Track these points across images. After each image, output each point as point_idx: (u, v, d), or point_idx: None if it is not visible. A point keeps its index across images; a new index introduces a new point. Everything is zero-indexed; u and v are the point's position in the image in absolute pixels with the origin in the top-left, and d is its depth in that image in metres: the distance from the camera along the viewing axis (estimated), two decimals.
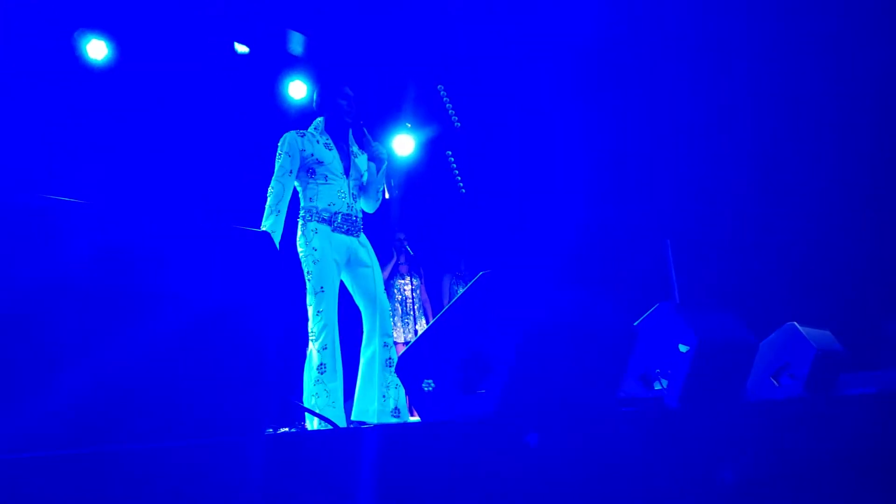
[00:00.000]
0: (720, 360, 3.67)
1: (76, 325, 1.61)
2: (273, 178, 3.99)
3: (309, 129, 4.15)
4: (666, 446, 2.89)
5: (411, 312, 6.60)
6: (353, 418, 3.96)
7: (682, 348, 3.51)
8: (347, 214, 4.08)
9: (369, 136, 4.24)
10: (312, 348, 3.87)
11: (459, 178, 6.96)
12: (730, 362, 3.76)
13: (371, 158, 4.22)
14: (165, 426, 1.70)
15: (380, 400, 3.93)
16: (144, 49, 6.36)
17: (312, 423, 3.78)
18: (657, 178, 6.92)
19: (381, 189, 4.25)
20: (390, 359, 3.96)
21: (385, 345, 4.02)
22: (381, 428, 2.11)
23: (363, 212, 4.24)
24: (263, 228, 3.87)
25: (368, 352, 4.03)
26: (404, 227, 6.90)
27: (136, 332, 1.72)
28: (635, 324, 3.21)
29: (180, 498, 1.54)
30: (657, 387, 3.57)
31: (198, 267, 1.89)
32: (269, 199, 3.95)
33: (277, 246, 3.80)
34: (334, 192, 4.07)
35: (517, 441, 2.37)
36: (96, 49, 6.11)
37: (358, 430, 2.17)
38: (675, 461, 2.85)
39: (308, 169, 4.05)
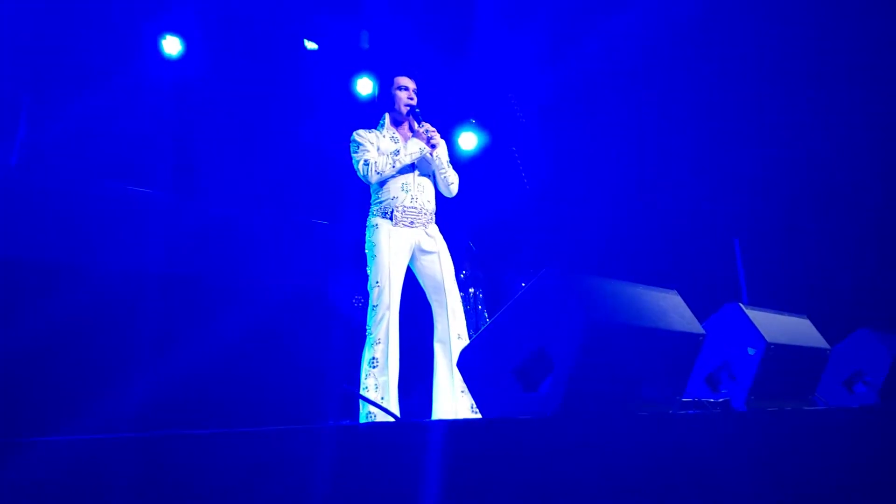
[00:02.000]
0: (789, 364, 3.58)
1: (155, 313, 1.66)
2: (356, 166, 4.10)
3: (376, 127, 4.22)
4: (731, 451, 2.84)
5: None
6: (433, 417, 3.98)
7: (750, 351, 3.44)
8: (412, 207, 4.10)
9: (418, 122, 4.19)
10: (367, 342, 3.92)
11: (524, 174, 6.93)
12: (799, 367, 3.67)
13: (427, 141, 4.19)
14: (236, 413, 1.75)
15: (458, 396, 3.93)
16: (216, 46, 6.50)
17: (371, 416, 3.81)
18: (726, 175, 6.78)
19: (445, 171, 4.22)
20: None
21: (458, 337, 4.02)
22: (442, 423, 2.12)
23: (439, 202, 4.25)
24: (381, 175, 4.02)
25: (441, 347, 4.04)
26: (469, 222, 6.91)
27: (211, 321, 1.77)
28: (702, 325, 3.16)
29: (247, 482, 1.58)
30: (723, 390, 3.50)
31: (270, 259, 1.93)
32: (376, 165, 4.04)
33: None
34: (398, 186, 4.10)
35: (579, 441, 2.36)
36: (171, 45, 6.28)
37: (420, 424, 2.18)
38: (739, 466, 2.79)
39: None
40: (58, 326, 1.58)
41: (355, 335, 4.04)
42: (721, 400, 3.35)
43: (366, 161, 4.06)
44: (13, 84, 5.44)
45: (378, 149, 4.12)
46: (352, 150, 4.15)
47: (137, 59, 6.16)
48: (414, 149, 4.11)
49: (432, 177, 4.24)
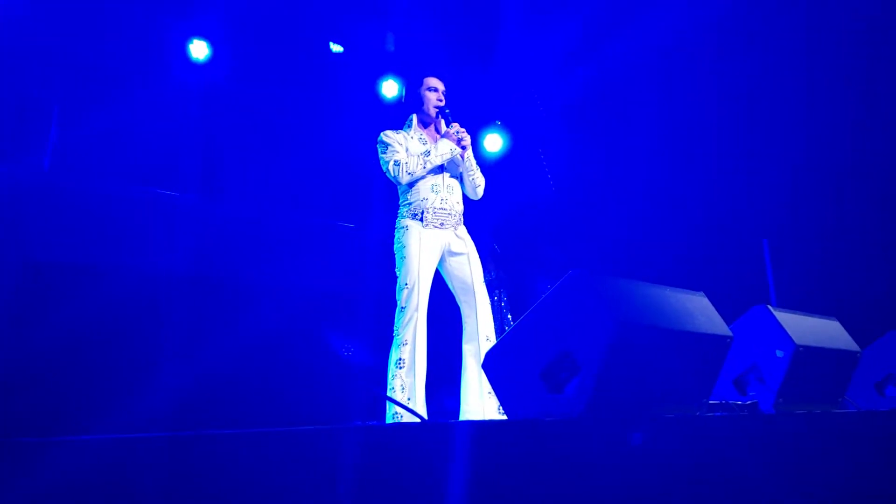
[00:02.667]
0: (819, 366, 3.54)
1: (183, 314, 1.68)
2: (386, 166, 4.10)
3: (403, 128, 4.23)
4: (759, 454, 2.81)
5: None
6: (460, 418, 3.99)
7: (779, 353, 3.40)
8: (441, 208, 4.10)
9: (447, 123, 4.19)
10: (394, 343, 3.93)
11: (549, 176, 6.91)
12: (829, 369, 3.63)
13: (457, 142, 4.19)
14: (263, 413, 1.76)
15: (485, 397, 3.94)
16: (242, 50, 6.56)
17: (397, 416, 3.82)
18: (755, 175, 6.71)
19: (473, 173, 4.22)
20: None
21: (487, 339, 4.02)
22: (468, 424, 2.12)
23: (465, 203, 4.26)
24: (412, 175, 4.02)
25: (470, 348, 4.04)
26: (494, 224, 6.91)
27: (238, 322, 1.78)
28: (729, 327, 3.13)
29: (274, 482, 1.59)
30: (751, 392, 3.47)
31: (296, 261, 1.95)
32: (393, 172, 4.06)
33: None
34: (428, 187, 4.11)
35: (606, 442, 2.35)
36: (198, 49, 6.35)
37: (445, 425, 2.19)
38: (767, 469, 2.76)
39: None
40: (88, 327, 1.60)
41: (383, 336, 4.05)
42: (749, 402, 3.32)
43: (396, 161, 4.06)
44: (45, 89, 5.52)
45: (406, 150, 4.13)
46: (380, 150, 4.15)
47: (165, 64, 6.24)
48: (445, 149, 4.10)
49: (460, 178, 4.24)
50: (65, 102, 5.56)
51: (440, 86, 4.24)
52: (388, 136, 4.16)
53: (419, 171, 4.05)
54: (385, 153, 4.12)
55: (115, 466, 1.43)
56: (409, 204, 4.11)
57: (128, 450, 1.46)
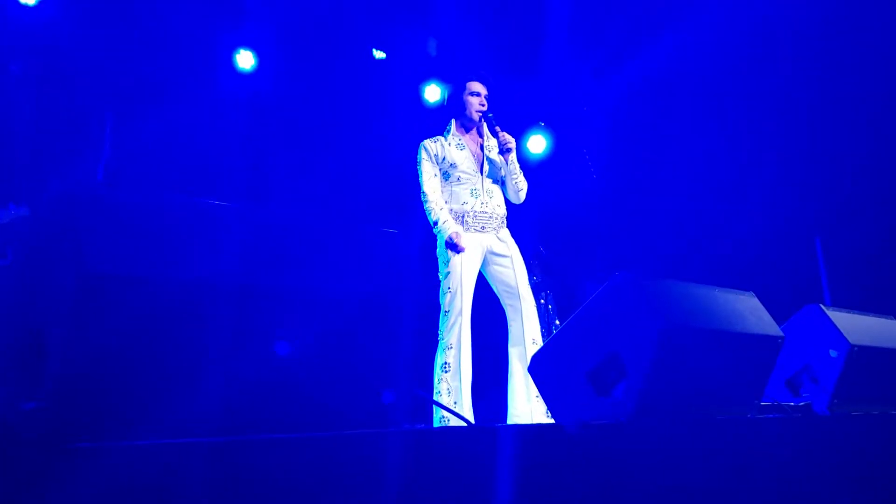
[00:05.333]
0: (875, 367, 3.46)
1: (230, 322, 1.72)
2: (421, 186, 4.15)
3: (443, 134, 4.24)
4: (813, 457, 2.76)
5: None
6: (508, 421, 3.99)
7: (833, 354, 3.33)
8: (482, 212, 4.11)
9: (493, 126, 4.19)
10: (439, 347, 3.95)
11: (595, 176, 6.87)
12: (884, 369, 3.54)
13: (500, 149, 4.18)
14: (310, 418, 1.78)
15: (533, 400, 3.93)
16: (287, 59, 6.65)
17: (444, 420, 3.84)
18: (807, 171, 6.56)
19: (517, 177, 4.21)
20: None
21: (533, 342, 4.01)
22: (514, 428, 2.12)
23: (509, 206, 4.25)
24: (437, 221, 4.04)
25: (516, 351, 4.04)
26: (539, 226, 6.88)
27: (280, 328, 1.81)
28: (781, 327, 3.07)
29: (320, 486, 1.61)
30: (804, 393, 3.40)
31: (341, 268, 1.97)
32: (426, 203, 4.12)
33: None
34: (468, 191, 4.13)
35: (655, 445, 2.33)
36: (244, 59, 6.46)
37: (493, 429, 2.19)
38: (822, 473, 2.71)
39: (444, 173, 4.16)
40: (141, 336, 1.64)
41: (429, 341, 4.07)
42: (802, 404, 3.26)
43: (423, 192, 4.13)
44: (97, 102, 5.67)
45: (443, 159, 4.14)
46: (417, 160, 4.20)
47: (212, 74, 6.35)
48: (446, 229, 4.05)
49: (502, 182, 4.24)
50: (116, 115, 5.70)
51: (483, 90, 4.24)
52: (425, 148, 4.17)
53: (441, 199, 4.11)
54: (419, 167, 4.17)
55: (164, 471, 1.47)
56: (451, 210, 4.12)
57: (175, 455, 1.49)
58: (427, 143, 4.20)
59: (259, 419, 1.72)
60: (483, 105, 4.22)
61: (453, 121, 4.28)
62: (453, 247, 4.01)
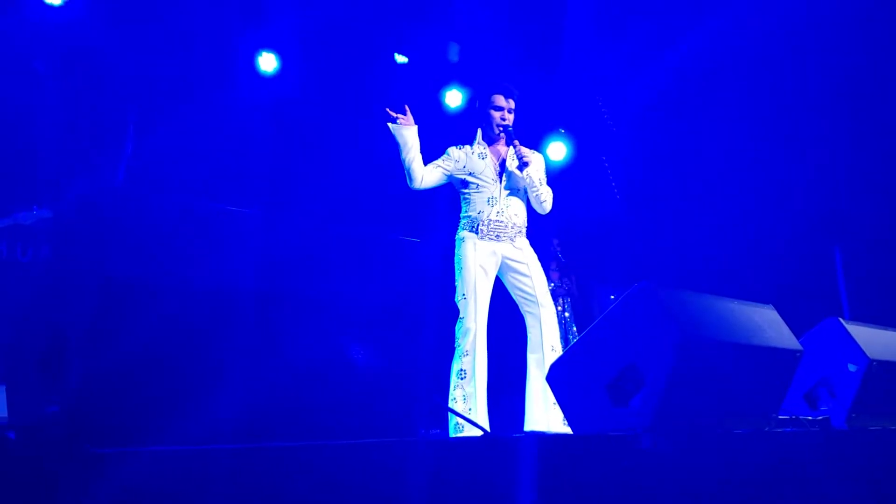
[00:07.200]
0: (892, 381, 3.43)
1: (250, 328, 1.73)
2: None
3: (470, 144, 4.26)
4: (831, 471, 2.74)
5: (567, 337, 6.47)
6: (525, 428, 3.99)
7: (851, 368, 3.31)
8: (498, 221, 4.12)
9: (512, 140, 4.19)
10: (455, 354, 3.96)
11: (614, 185, 6.85)
12: None
13: (518, 164, 4.19)
14: (328, 426, 1.79)
15: (550, 409, 3.93)
16: (309, 62, 6.68)
17: (459, 427, 3.85)
18: (826, 182, 6.51)
19: (537, 190, 4.20)
20: None
21: (552, 349, 4.02)
22: (531, 438, 2.13)
23: (529, 213, 4.26)
24: (410, 167, 4.17)
25: (534, 358, 4.04)
26: (558, 234, 6.87)
27: (300, 336, 1.82)
28: (799, 340, 3.06)
29: (337, 494, 1.62)
30: (822, 407, 3.38)
31: (357, 274, 1.98)
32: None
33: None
34: (484, 200, 4.15)
35: (672, 457, 2.33)
36: (267, 62, 6.50)
37: (509, 440, 2.19)
38: (840, 487, 2.69)
39: (462, 182, 4.19)
40: (163, 342, 1.66)
41: (446, 348, 4.08)
42: (820, 418, 3.23)
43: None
44: (119, 105, 5.71)
45: (464, 167, 4.18)
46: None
47: (234, 77, 6.38)
48: (399, 135, 4.23)
49: (522, 192, 4.23)
50: (138, 118, 5.74)
51: (505, 103, 4.24)
52: (448, 152, 4.26)
53: (408, 166, 4.19)
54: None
55: (184, 477, 1.48)
56: (468, 216, 4.16)
57: (197, 461, 1.50)
58: (452, 148, 4.26)
59: (280, 426, 1.73)
60: (504, 119, 4.23)
61: (479, 131, 4.31)
62: (392, 119, 4.24)
